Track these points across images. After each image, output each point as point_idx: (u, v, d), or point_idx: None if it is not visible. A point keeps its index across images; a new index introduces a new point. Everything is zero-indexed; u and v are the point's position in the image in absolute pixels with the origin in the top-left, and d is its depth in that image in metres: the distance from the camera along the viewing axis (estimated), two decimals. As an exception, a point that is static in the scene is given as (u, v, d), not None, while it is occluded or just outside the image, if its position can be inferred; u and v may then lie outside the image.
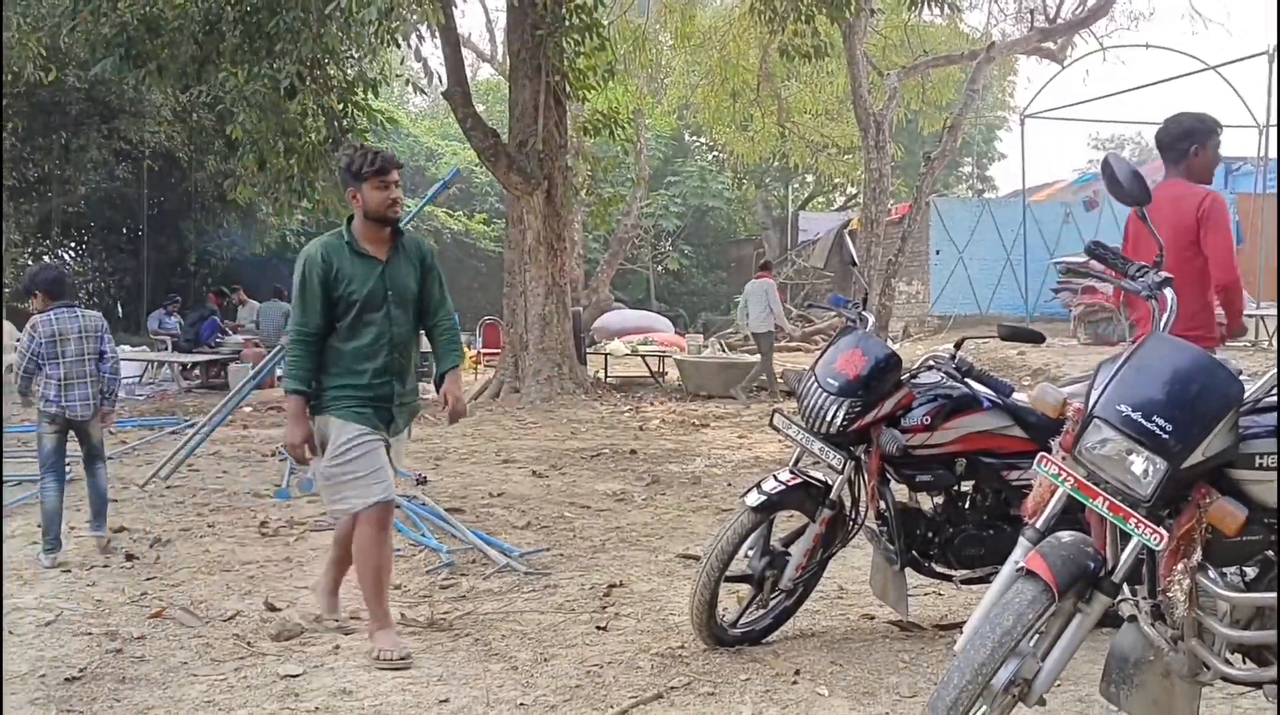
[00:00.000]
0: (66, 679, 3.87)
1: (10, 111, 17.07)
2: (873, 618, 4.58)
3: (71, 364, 5.69)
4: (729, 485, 7.79)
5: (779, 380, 13.77)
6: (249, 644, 4.29)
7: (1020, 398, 4.02)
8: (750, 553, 4.12)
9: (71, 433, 5.81)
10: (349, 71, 12.59)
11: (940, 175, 21.76)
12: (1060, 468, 2.66)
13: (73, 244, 25.45)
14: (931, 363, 4.17)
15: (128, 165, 21.54)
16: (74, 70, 16.21)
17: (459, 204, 32.02)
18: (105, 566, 5.46)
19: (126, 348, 17.67)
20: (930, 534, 4.12)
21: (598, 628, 4.46)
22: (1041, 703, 2.60)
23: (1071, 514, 2.82)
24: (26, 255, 20.94)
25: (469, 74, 14.18)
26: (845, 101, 21.93)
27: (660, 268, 33.23)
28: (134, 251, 23.75)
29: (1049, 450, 2.78)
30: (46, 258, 23.47)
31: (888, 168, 17.70)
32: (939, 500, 4.17)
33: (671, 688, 3.75)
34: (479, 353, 17.69)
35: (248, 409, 12.41)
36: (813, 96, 23.77)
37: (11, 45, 13.78)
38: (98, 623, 4.52)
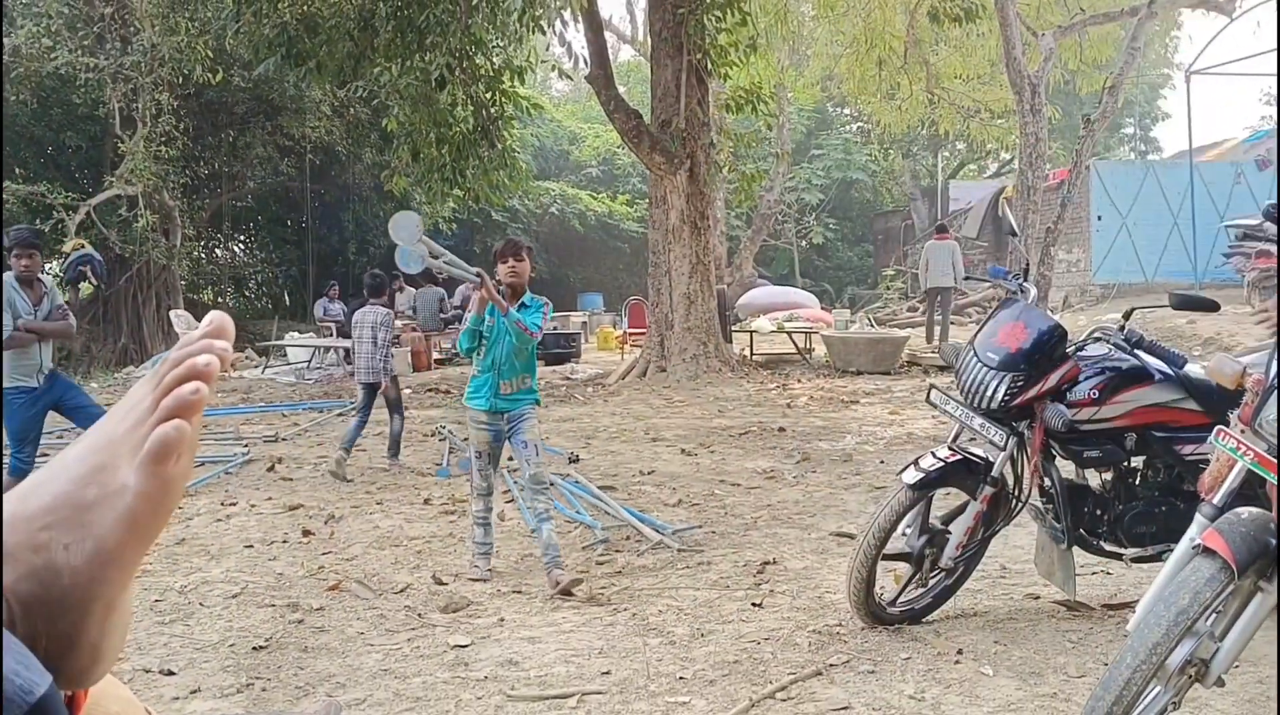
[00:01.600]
0: (254, 648, 4.11)
1: (182, 112, 18.06)
2: (1038, 597, 4.47)
3: (363, 343, 7.94)
4: (881, 462, 7.71)
5: (932, 346, 13.54)
6: (420, 615, 4.47)
7: (1194, 369, 3.85)
8: (908, 531, 4.07)
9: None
10: (495, 60, 12.86)
11: (1101, 137, 20.83)
12: (1239, 441, 2.55)
13: (242, 237, 26.80)
14: (1099, 334, 4.03)
15: (291, 160, 22.47)
16: (239, 71, 17.03)
17: (602, 186, 32.33)
18: (285, 542, 5.77)
19: (294, 334, 18.55)
20: (1098, 511, 4.00)
21: (753, 604, 4.47)
22: (1220, 684, 2.52)
23: (1251, 489, 2.70)
24: (200, 249, 22.05)
25: (610, 56, 14.29)
26: (997, 65, 21.18)
27: (804, 243, 32.82)
28: (298, 243, 24.89)
29: (1226, 423, 2.66)
30: (219, 251, 24.80)
31: (1044, 132, 17.02)
32: (1108, 476, 4.04)
33: (830, 665, 3.75)
34: (625, 333, 17.85)
35: (407, 391, 12.89)
36: (963, 61, 23.02)
37: (180, 49, 14.59)
38: (280, 595, 4.78)
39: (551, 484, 5.35)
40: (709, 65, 13.46)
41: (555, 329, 19.00)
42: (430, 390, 13.13)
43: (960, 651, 3.83)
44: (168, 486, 0.60)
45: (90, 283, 13.34)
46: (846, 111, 36.30)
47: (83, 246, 13.34)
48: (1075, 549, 4.01)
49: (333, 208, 24.53)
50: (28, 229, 5.70)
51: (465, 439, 8.91)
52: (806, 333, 16.10)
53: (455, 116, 12.60)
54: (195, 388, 0.61)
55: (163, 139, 17.22)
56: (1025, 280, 4.23)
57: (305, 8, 11.43)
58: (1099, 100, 17.89)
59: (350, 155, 21.63)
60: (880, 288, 29.07)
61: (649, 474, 7.48)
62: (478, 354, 4.98)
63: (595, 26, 13.39)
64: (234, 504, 6.74)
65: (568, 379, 14.22)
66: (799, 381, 13.11)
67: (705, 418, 10.35)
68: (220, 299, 24.36)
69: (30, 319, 5.52)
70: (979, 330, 4.11)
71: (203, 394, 0.61)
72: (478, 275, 4.86)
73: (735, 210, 28.38)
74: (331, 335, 16.92)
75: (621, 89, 14.25)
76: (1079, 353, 3.96)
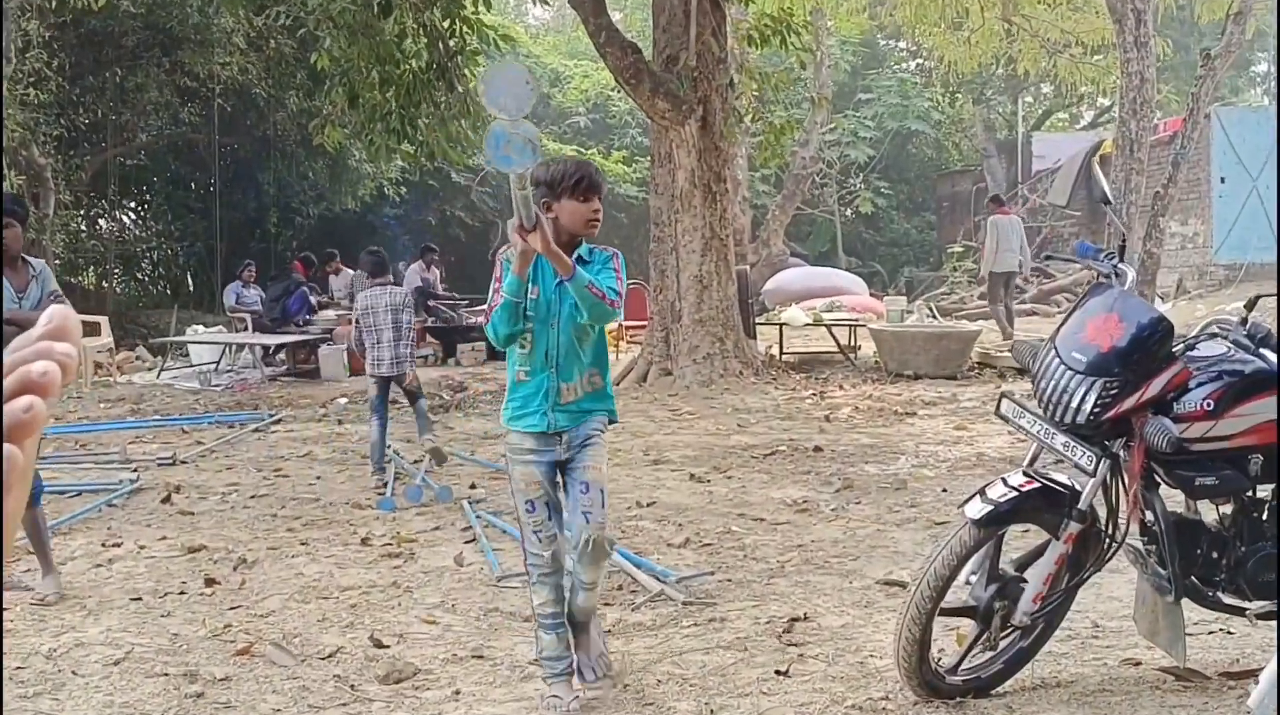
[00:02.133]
0: (142, 727, 4.13)
1: (56, 45, 18.02)
2: (1138, 663, 4.46)
3: (380, 332, 8.42)
4: (943, 491, 7.71)
5: (1006, 337, 13.58)
6: (353, 688, 4.45)
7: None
8: (973, 578, 4.08)
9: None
10: (455, -22, 12.89)
11: (1224, 78, 20.84)
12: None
13: (133, 204, 26.71)
14: (1215, 329, 4.02)
15: (194, 107, 22.52)
16: (129, -8, 17.11)
17: (592, 139, 32.34)
18: (182, 594, 5.74)
19: (199, 328, 18.57)
20: (1215, 554, 3.99)
21: (777, 672, 4.45)
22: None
23: None
24: (80, 219, 22.05)
25: (602, -26, 14.28)
26: (1092, -14, 21.22)
27: (849, 211, 32.85)
28: (204, 211, 24.80)
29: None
30: (103, 222, 24.76)
31: (1151, 71, 17.03)
32: (1227, 509, 4.04)
33: (874, 750, 3.77)
34: (620, 326, 17.82)
35: (342, 400, 12.90)
36: (1048, -18, 23.09)
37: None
38: (174, 661, 4.76)
39: (612, 545, 4.73)
40: (726, -15, 13.46)
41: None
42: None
43: (1039, 733, 3.83)
44: None
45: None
46: (902, 46, 36.39)
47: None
48: (1185, 602, 4.00)
49: (248, 166, 24.47)
50: (10, 196, 5.75)
51: (417, 461, 8.97)
52: (851, 326, 16.11)
53: (404, 50, 12.59)
54: (28, 405, 0.61)
55: (31, 79, 17.17)
56: (1121, 260, 4.22)
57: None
58: (1222, 31, 17.91)
59: (270, 100, 21.60)
60: (945, 268, 29.03)
61: (649, 506, 7.48)
62: (520, 345, 4.18)
63: (581, -65, 13.40)
64: (118, 545, 6.71)
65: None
66: (841, 388, 13.11)
67: (721, 434, 10.35)
68: (105, 283, 24.36)
69: (15, 308, 5.44)
70: (1062, 324, 4.10)
71: (38, 411, 0.60)
72: (535, 218, 3.81)
73: (761, 171, 28.39)
74: (246, 328, 16.92)
75: (616, 16, 14.29)
76: (1189, 352, 3.95)
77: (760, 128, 15.34)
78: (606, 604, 5.40)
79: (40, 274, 5.71)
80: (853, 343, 15.90)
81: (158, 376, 15.90)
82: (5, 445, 0.59)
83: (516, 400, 4.23)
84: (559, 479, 4.27)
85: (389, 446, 9.78)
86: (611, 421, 4.38)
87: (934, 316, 18.21)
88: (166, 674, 4.62)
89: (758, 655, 4.69)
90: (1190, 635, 4.18)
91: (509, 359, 4.28)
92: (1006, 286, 16.69)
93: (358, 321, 8.70)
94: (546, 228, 3.87)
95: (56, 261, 20.02)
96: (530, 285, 4.09)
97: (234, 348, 16.76)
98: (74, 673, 4.65)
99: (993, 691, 4.17)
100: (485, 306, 4.29)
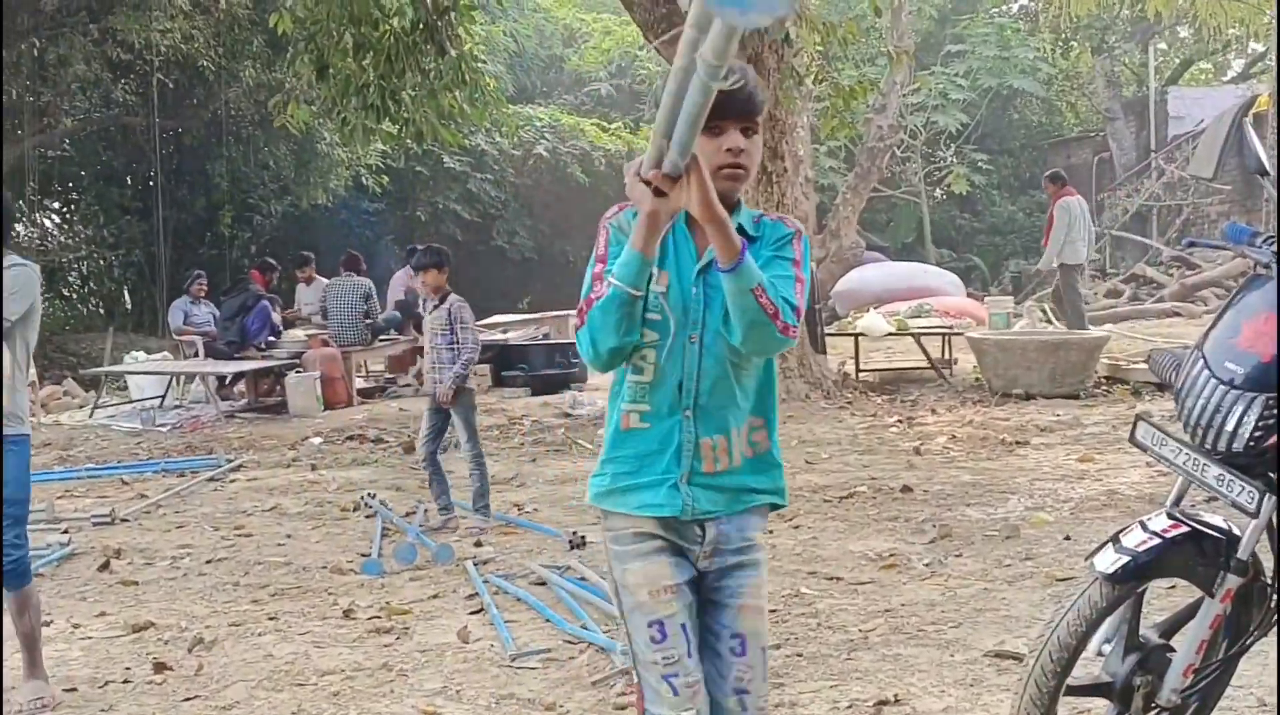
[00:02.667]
0: None
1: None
2: (1318, 751, 4.44)
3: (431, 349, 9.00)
4: (1066, 540, 7.66)
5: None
6: (336, 797, 4.51)
7: None
8: (1106, 648, 4.03)
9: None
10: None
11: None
12: None
13: (56, 204, 26.90)
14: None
15: (130, 83, 22.70)
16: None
17: (615, 109, 32.38)
18: (126, 683, 5.74)
19: (139, 355, 18.69)
20: None
21: (863, 769, 4.50)
22: None
23: None
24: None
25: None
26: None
27: (939, 192, 32.75)
28: (144, 211, 24.89)
29: None
30: (20, 226, 24.94)
31: (1315, 8, 16.94)
32: None
33: None
34: (659, 341, 17.80)
35: (316, 440, 12.95)
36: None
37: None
38: (118, 767, 4.84)
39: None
40: (779, -84, 13.42)
41: (545, 337, 18.99)
42: (350, 438, 13.21)
43: (1194, 840, 3.78)
44: None
45: None
46: (1001, -16, 36.35)
47: None
48: (1376, 673, 3.97)
49: (196, 155, 24.58)
50: None
51: (408, 515, 8.98)
52: (944, 335, 16.06)
53: (383, 8, 12.63)
54: None
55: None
56: (1284, 246, 4.19)
57: None
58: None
59: (221, 73, 21.74)
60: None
61: (698, 564, 7.51)
62: (633, 368, 3.23)
63: None
64: (47, 623, 6.63)
65: (567, 416, 14.22)
66: (933, 412, 13.11)
67: (785, 473, 10.25)
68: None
69: None
70: (1211, 327, 4.06)
71: None
72: (690, 152, 2.74)
73: (827, 144, 28.34)
74: (196, 354, 16.96)
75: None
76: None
77: (825, 91, 15.25)
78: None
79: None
80: (947, 356, 15.87)
81: (90, 416, 15.95)
82: None
83: (625, 460, 3.24)
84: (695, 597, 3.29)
85: (370, 493, 9.86)
86: (776, 508, 3.45)
87: (1049, 320, 18.08)
88: (108, 784, 4.67)
89: (838, 748, 4.70)
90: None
91: (613, 393, 3.30)
92: (1070, 282, 16.87)
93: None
94: (706, 173, 2.89)
95: None
96: (658, 270, 3.11)
97: (182, 378, 16.82)
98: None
99: (1135, 789, 4.16)
100: (585, 300, 3.17)
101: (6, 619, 5.49)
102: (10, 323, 5.42)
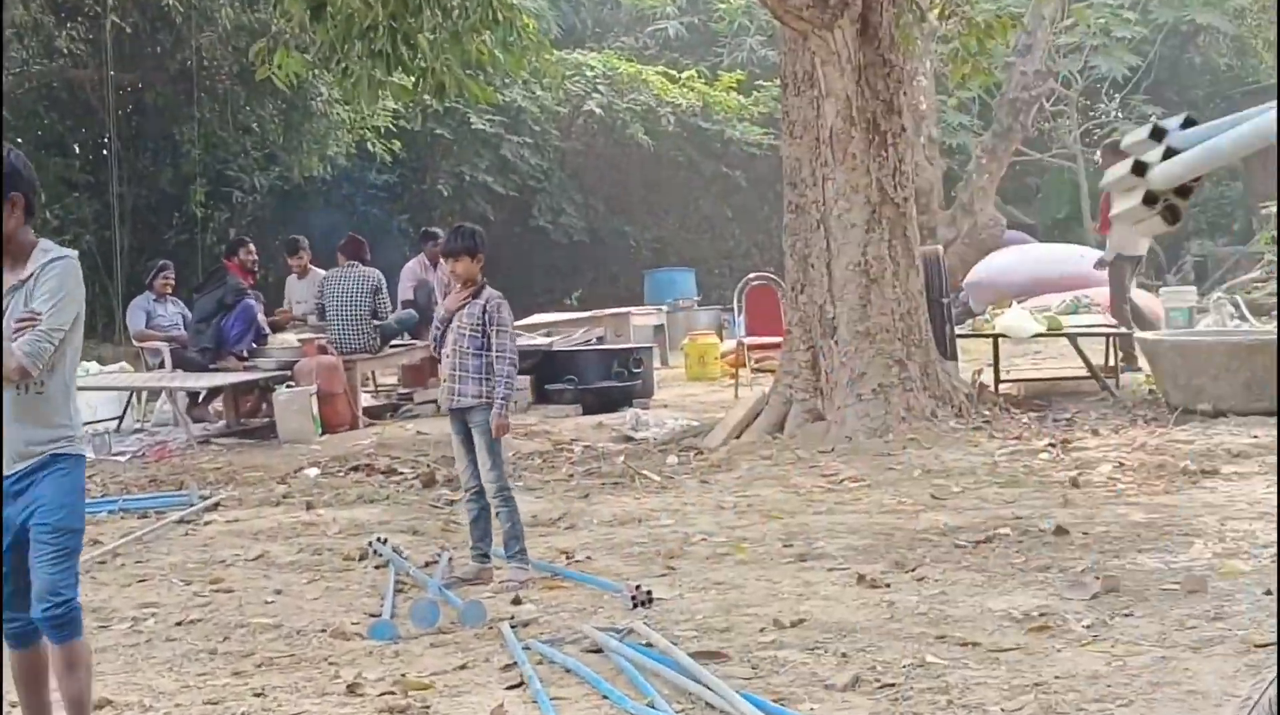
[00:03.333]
0: None
1: None
2: None
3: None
4: (1265, 594, 7.51)
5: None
6: None
7: None
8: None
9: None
10: None
11: None
12: None
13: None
14: None
15: (77, 27, 22.82)
16: None
17: (687, 54, 32.39)
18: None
19: (92, 366, 18.87)
20: None
21: None
22: None
23: None
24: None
25: None
26: None
27: (1098, 157, 32.49)
28: (95, 186, 25.11)
29: None
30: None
31: None
32: None
33: None
34: (740, 344, 17.86)
35: (312, 471, 13.02)
36: None
37: None
38: None
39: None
40: None
41: (599, 341, 19.02)
42: (355, 468, 13.25)
43: None
44: None
45: None
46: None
47: None
48: None
49: (160, 116, 24.72)
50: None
51: (428, 565, 9.06)
52: (1108, 335, 15.91)
53: (394, -73, 12.72)
54: None
55: None
56: None
57: None
58: None
59: (191, 14, 21.84)
60: (1258, 242, 28.53)
61: (793, 625, 7.40)
62: None
63: None
64: (-17, 700, 6.88)
65: (628, 440, 14.30)
66: (1095, 434, 13.01)
67: (905, 511, 10.33)
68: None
69: None
70: None
71: None
72: None
73: (957, 95, 28.23)
74: (162, 364, 17.01)
75: None
76: None
77: (954, 29, 15.25)
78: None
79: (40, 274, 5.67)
80: (1112, 362, 15.80)
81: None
82: None
83: None
84: None
85: (380, 538, 9.90)
86: None
87: (1242, 316, 17.92)
88: None
89: None
90: None
91: None
92: (1133, 275, 16.86)
93: None
94: None
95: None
96: None
97: (145, 395, 16.93)
98: None
99: None
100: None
101: (52, 680, 5.63)
102: (59, 339, 5.44)
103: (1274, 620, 6.96)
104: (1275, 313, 16.89)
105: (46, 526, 5.45)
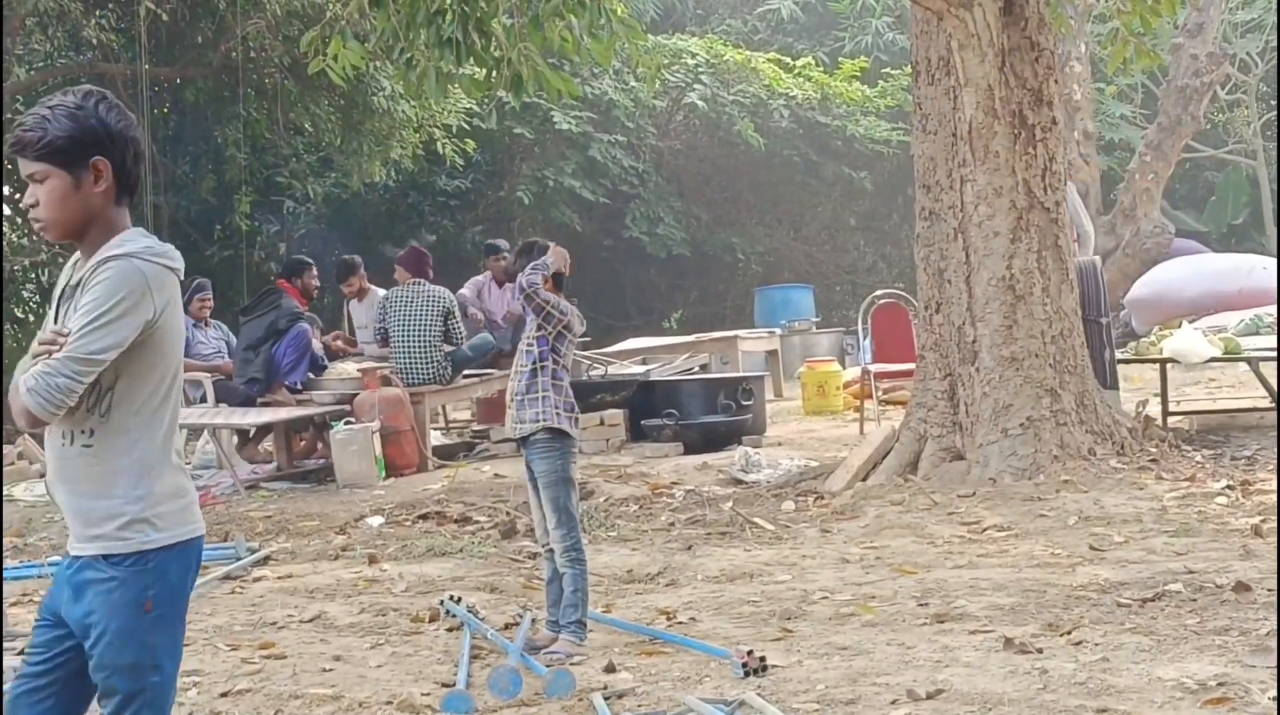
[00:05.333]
0: None
1: None
2: None
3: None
4: None
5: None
6: None
7: None
8: None
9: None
10: None
11: None
12: None
13: (5, 190, 27.47)
14: None
15: (108, 16, 22.27)
16: None
17: (803, 39, 32.40)
18: None
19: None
20: None
21: None
22: None
23: None
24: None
25: None
26: None
27: (1280, 153, 32.33)
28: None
29: None
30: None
31: None
32: None
33: None
34: (866, 373, 17.48)
35: (375, 521, 12.85)
36: None
37: None
38: None
39: None
40: None
41: (703, 370, 18.95)
42: (424, 516, 12.72)
43: None
44: None
45: None
46: None
47: None
48: None
49: (201, 117, 24.70)
50: None
51: (509, 627, 8.80)
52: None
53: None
54: None
55: None
56: None
57: None
58: None
59: (235, 1, 21.43)
60: None
61: (930, 698, 7.06)
62: None
63: None
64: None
65: (737, 482, 13.70)
66: (1282, 474, 11.42)
67: (1060, 565, 9.74)
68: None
69: None
70: None
71: None
72: None
73: (1114, 82, 28.09)
74: (204, 398, 16.00)
75: None
76: None
77: (1112, 6, 15.05)
78: None
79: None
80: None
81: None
82: None
83: None
84: None
85: (453, 596, 9.72)
86: None
87: None
88: None
89: None
90: None
91: None
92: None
93: None
94: None
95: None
96: None
97: (185, 433, 16.96)
98: None
99: None
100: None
101: None
102: (87, 373, 4.50)
103: None
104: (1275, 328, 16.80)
105: (104, 670, 4.70)
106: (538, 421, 8.51)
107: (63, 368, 4.23)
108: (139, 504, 4.43)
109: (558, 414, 8.54)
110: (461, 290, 16.47)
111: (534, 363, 8.65)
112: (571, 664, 8.10)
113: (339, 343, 16.82)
